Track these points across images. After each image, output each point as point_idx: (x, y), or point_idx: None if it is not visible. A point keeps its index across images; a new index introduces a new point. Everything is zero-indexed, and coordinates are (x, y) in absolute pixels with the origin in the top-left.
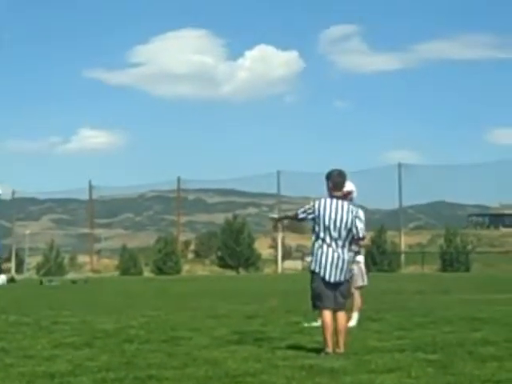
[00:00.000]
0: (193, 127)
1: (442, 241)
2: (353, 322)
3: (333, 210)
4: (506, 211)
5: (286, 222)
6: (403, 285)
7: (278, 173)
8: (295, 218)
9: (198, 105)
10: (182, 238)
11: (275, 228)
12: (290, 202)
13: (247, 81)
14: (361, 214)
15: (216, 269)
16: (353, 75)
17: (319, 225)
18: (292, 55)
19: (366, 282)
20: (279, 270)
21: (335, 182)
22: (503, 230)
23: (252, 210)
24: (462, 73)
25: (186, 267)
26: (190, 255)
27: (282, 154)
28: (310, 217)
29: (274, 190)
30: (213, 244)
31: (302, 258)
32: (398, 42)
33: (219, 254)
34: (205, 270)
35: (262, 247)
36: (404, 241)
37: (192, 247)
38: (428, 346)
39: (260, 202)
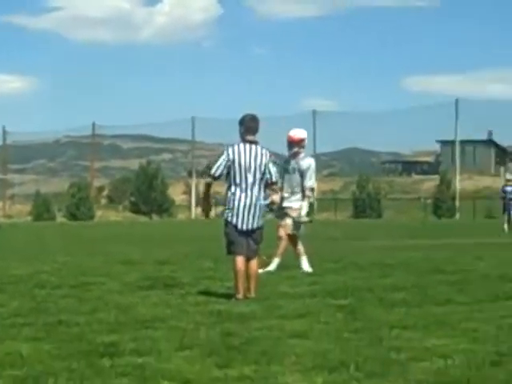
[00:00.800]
0: (109, 72)
1: (354, 187)
2: (272, 267)
3: (246, 155)
4: (419, 158)
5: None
6: (316, 231)
7: (193, 118)
8: (212, 182)
9: (116, 50)
10: (96, 183)
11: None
12: (204, 148)
13: (165, 26)
14: (312, 163)
15: (129, 214)
16: (271, 21)
17: (233, 171)
18: (210, 0)
19: (298, 231)
20: (192, 215)
21: (248, 126)
22: (415, 177)
23: (166, 156)
24: (377, 20)
25: (99, 213)
26: (104, 201)
27: (197, 100)
28: (226, 171)
29: (188, 136)
30: (126, 189)
31: (215, 204)
32: None
33: (132, 199)
34: (118, 215)
35: (176, 193)
36: (317, 187)
37: (105, 193)
38: (339, 291)
39: (174, 147)
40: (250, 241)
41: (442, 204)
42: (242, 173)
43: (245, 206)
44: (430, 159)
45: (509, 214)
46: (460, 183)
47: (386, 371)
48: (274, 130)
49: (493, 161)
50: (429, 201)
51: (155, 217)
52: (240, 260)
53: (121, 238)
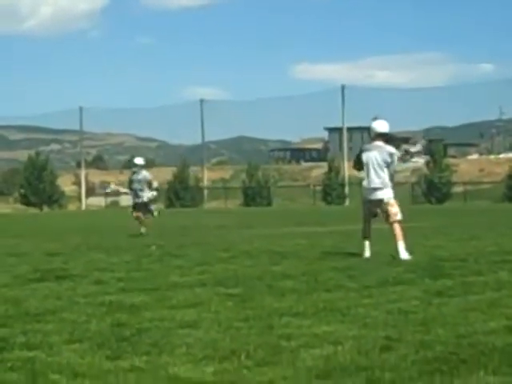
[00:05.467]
0: None
1: (244, 176)
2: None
3: None
4: (307, 145)
5: None
6: (206, 220)
7: (81, 109)
8: None
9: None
10: None
11: None
12: (92, 139)
13: (51, 16)
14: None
15: (19, 206)
16: (156, 11)
17: None
18: None
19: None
20: (83, 206)
21: None
22: (304, 164)
23: (55, 147)
24: (264, 8)
25: None
26: None
27: (84, 90)
28: None
29: (76, 127)
30: (16, 181)
31: (106, 195)
32: None
33: (22, 191)
34: (8, 207)
35: (66, 184)
36: (207, 176)
37: None
38: (229, 280)
39: (63, 138)
40: None
41: (331, 191)
42: None
43: None
44: (319, 146)
45: None
46: (348, 170)
47: (276, 359)
48: (163, 119)
49: None
50: (318, 188)
51: (45, 208)
52: None
53: (11, 231)
